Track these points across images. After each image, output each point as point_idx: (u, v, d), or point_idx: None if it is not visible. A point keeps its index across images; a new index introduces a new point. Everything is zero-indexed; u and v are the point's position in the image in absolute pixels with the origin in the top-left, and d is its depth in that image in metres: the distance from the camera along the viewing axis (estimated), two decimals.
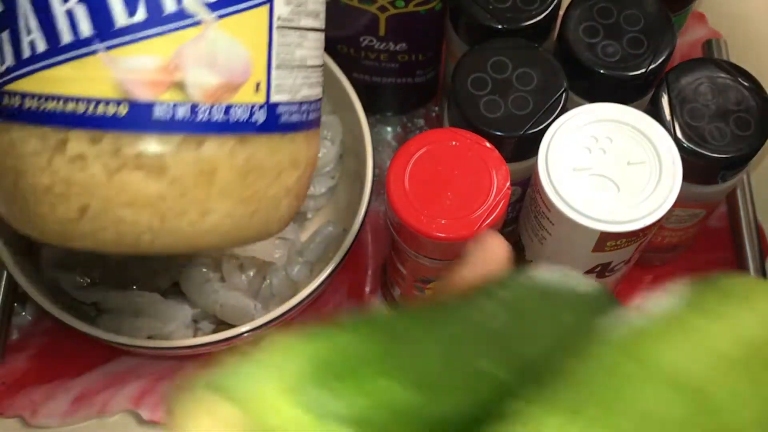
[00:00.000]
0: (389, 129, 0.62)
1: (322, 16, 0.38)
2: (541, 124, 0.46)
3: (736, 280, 0.26)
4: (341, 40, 0.54)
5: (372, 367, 0.20)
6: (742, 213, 0.58)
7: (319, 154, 0.55)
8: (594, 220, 0.42)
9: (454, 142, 0.44)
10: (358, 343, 0.21)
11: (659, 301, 0.25)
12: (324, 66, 0.54)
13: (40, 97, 0.32)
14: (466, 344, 0.23)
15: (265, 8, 0.33)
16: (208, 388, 0.20)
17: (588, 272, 0.47)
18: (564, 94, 0.46)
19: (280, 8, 0.34)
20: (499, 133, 0.46)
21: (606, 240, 0.43)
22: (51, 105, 0.32)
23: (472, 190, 0.43)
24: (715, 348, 0.22)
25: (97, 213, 0.32)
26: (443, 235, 0.42)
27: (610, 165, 0.43)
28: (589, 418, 0.19)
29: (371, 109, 0.58)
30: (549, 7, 0.49)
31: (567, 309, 0.27)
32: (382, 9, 0.50)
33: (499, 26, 0.49)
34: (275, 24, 0.34)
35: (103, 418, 0.53)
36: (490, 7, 0.49)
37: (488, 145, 0.44)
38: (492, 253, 0.28)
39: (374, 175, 0.52)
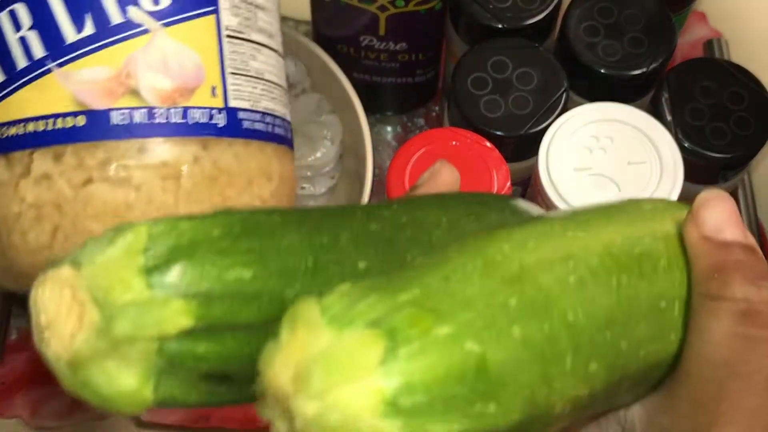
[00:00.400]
0: (389, 129, 0.62)
1: (278, 39, 0.38)
2: (541, 124, 0.46)
3: (638, 201, 0.27)
4: (341, 40, 0.54)
5: (217, 248, 0.21)
6: (742, 213, 0.58)
7: (319, 154, 0.55)
8: None
9: (454, 142, 0.44)
10: (209, 228, 0.21)
11: (550, 211, 0.26)
12: (324, 66, 0.54)
13: (1, 125, 0.33)
14: (344, 244, 0.23)
15: (212, 18, 0.34)
16: (60, 260, 0.21)
17: None
18: (564, 94, 0.46)
19: (228, 19, 0.35)
20: (499, 133, 0.45)
21: None
22: (13, 130, 0.32)
23: (472, 190, 0.43)
24: (568, 251, 0.23)
25: (68, 232, 0.32)
26: None
27: (610, 165, 0.43)
28: (396, 299, 0.19)
29: (371, 109, 0.58)
30: (549, 6, 0.49)
31: (479, 219, 0.27)
32: (382, 8, 0.50)
33: (499, 26, 0.49)
34: (224, 33, 0.35)
35: (102, 419, 0.53)
36: (490, 6, 0.49)
37: (488, 144, 0.44)
38: (442, 178, 0.30)
39: (374, 175, 0.52)
